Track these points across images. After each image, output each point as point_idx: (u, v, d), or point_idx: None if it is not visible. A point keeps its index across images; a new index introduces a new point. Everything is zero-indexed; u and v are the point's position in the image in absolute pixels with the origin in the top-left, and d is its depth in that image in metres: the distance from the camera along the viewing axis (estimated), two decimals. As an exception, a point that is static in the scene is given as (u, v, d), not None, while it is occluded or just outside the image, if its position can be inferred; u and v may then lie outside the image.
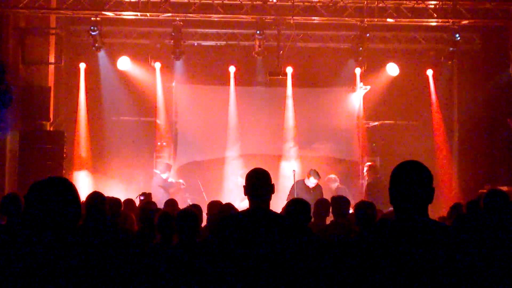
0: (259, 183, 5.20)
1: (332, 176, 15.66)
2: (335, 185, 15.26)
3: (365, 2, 15.44)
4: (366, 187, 15.24)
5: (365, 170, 15.67)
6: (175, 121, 18.04)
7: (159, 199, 12.53)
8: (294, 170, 14.87)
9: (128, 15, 15.58)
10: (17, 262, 3.36)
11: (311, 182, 14.23)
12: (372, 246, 3.57)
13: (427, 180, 3.63)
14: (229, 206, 7.86)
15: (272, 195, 5.26)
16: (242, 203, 14.41)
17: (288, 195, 13.93)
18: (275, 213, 5.28)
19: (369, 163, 15.97)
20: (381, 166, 17.38)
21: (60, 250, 3.42)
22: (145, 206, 8.96)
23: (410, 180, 3.61)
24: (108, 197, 7.70)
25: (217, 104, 17.70)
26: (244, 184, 5.25)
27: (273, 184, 5.26)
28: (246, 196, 5.25)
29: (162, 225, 6.55)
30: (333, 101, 18.05)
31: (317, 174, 14.27)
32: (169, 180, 15.99)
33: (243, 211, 5.38)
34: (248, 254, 4.96)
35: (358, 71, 17.55)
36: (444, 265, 3.43)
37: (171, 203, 9.49)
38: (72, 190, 3.55)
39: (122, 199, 10.57)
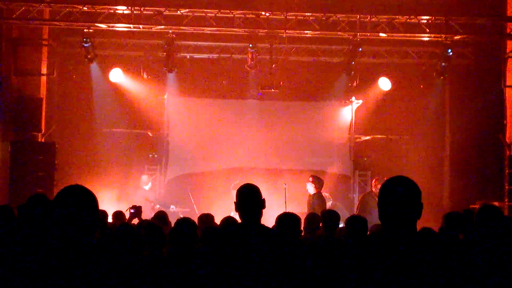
0: (249, 199, 5.26)
1: (326, 194, 15.58)
2: (329, 203, 15.13)
3: (358, 17, 15.46)
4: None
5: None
6: (167, 133, 18.01)
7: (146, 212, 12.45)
8: (285, 184, 14.81)
9: (121, 27, 15.56)
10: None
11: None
12: (362, 259, 3.58)
13: (416, 195, 3.66)
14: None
15: (263, 210, 5.32)
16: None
17: (358, 207, 14.01)
18: (266, 227, 5.33)
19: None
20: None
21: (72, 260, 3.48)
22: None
23: (399, 195, 3.63)
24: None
25: (209, 117, 17.69)
26: (235, 200, 5.29)
27: (264, 199, 5.31)
28: (237, 212, 5.28)
29: (150, 236, 6.51)
30: (325, 115, 18.08)
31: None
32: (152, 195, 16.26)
33: (235, 226, 5.42)
34: (240, 269, 4.99)
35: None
36: (434, 279, 3.43)
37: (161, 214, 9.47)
38: (92, 200, 3.66)
39: (113, 211, 10.55)
